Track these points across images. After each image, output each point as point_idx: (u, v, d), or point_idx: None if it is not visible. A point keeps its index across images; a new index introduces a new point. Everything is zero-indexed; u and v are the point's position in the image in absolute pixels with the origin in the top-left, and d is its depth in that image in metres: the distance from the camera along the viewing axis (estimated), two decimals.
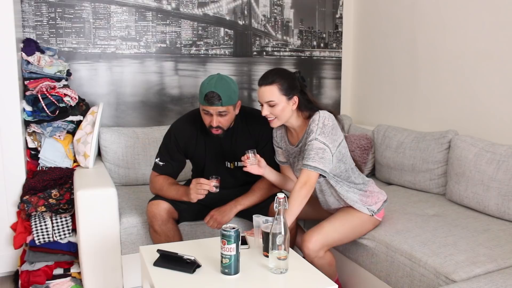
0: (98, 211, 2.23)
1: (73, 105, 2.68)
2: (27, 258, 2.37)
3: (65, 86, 2.72)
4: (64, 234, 2.40)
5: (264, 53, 3.54)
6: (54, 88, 2.62)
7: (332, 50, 3.74)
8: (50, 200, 2.46)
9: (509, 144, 2.35)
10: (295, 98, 2.01)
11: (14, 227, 2.54)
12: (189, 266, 1.64)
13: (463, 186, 2.41)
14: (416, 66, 3.11)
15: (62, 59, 2.82)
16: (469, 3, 2.70)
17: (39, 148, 2.66)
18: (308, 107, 2.05)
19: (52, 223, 2.40)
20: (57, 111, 2.60)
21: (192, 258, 1.64)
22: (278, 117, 2.01)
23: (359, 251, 2.19)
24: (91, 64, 3.03)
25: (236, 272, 1.63)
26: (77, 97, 2.71)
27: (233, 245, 1.59)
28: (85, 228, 2.22)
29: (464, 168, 2.40)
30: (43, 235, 2.36)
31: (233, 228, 1.60)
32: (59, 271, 2.43)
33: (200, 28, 3.31)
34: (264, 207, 2.22)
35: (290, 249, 1.72)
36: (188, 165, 2.39)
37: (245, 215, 2.26)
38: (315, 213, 2.30)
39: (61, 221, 2.43)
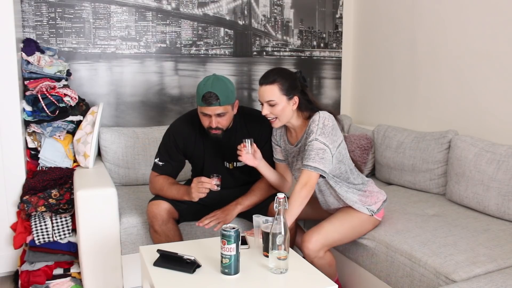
0: (98, 211, 2.23)
1: (73, 105, 2.68)
2: (27, 258, 2.37)
3: (65, 86, 2.72)
4: (64, 234, 2.40)
5: (264, 53, 3.54)
6: (54, 88, 2.62)
7: (332, 50, 3.74)
8: (50, 200, 2.46)
9: (509, 144, 2.35)
10: (296, 98, 2.01)
11: (14, 227, 2.54)
12: (189, 266, 1.64)
13: (463, 186, 2.41)
14: (416, 66, 3.11)
15: (62, 59, 2.82)
16: (469, 3, 2.70)
17: (39, 148, 2.66)
18: (308, 107, 2.05)
19: (52, 223, 2.40)
20: (57, 111, 2.60)
21: (192, 258, 1.64)
22: (279, 117, 2.01)
23: (359, 251, 2.19)
24: (91, 64, 3.03)
25: (236, 272, 1.63)
26: (77, 97, 2.71)
27: (233, 245, 1.59)
28: (85, 228, 2.22)
29: (464, 168, 2.40)
30: (43, 235, 2.36)
31: (233, 228, 1.60)
32: (59, 271, 2.43)
33: (200, 28, 3.31)
34: (264, 207, 2.22)
35: (290, 249, 1.72)
36: (188, 165, 2.40)
37: (245, 215, 2.26)
38: (315, 213, 2.30)
39: (61, 221, 2.43)
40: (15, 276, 2.53)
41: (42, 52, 2.73)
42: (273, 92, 1.97)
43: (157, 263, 1.70)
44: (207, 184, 2.00)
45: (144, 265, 1.74)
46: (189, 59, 3.31)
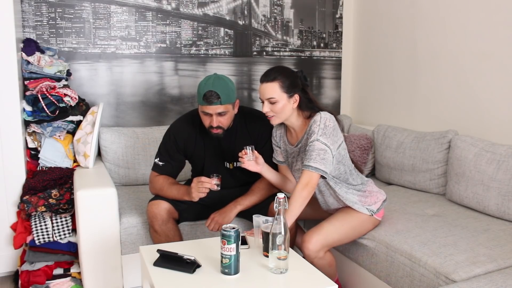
0: (98, 211, 2.23)
1: (73, 105, 2.68)
2: (27, 258, 2.37)
3: (65, 86, 2.72)
4: (64, 234, 2.40)
5: (264, 53, 3.54)
6: (54, 88, 2.62)
7: (332, 50, 3.74)
8: (50, 200, 2.46)
9: (509, 144, 2.35)
10: (296, 97, 2.01)
11: (14, 227, 2.54)
12: (189, 266, 1.64)
13: (463, 186, 2.41)
14: (416, 66, 3.11)
15: (62, 59, 2.82)
16: (469, 3, 2.70)
17: (39, 148, 2.66)
18: (308, 107, 2.05)
19: (52, 223, 2.40)
20: (57, 111, 2.60)
21: (192, 258, 1.64)
22: (278, 114, 2.01)
23: (359, 251, 2.19)
24: (91, 64, 3.03)
25: (236, 272, 1.63)
26: (77, 97, 2.71)
27: (233, 245, 1.59)
28: (85, 228, 2.22)
29: (464, 168, 2.40)
30: (43, 235, 2.36)
31: (233, 228, 1.60)
32: (59, 271, 2.43)
33: (200, 28, 3.31)
34: (264, 207, 2.22)
35: (290, 249, 1.72)
36: (188, 165, 2.40)
37: (245, 215, 2.26)
38: (315, 213, 2.30)
39: (61, 221, 2.43)
40: (15, 276, 2.53)
41: (42, 52, 2.73)
42: (274, 89, 1.97)
43: (157, 263, 1.70)
44: (207, 184, 2.00)
45: (144, 265, 1.74)
46: (189, 59, 3.31)
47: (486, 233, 2.08)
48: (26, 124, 2.65)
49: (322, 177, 1.96)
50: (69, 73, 2.75)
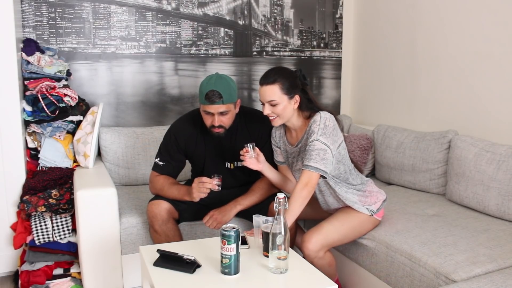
0: (98, 211, 2.23)
1: (73, 105, 2.68)
2: (27, 258, 2.37)
3: (65, 86, 2.72)
4: (64, 234, 2.40)
5: (264, 53, 3.54)
6: (54, 88, 2.62)
7: (332, 50, 3.74)
8: (50, 200, 2.46)
9: (509, 144, 2.35)
10: (297, 97, 2.01)
11: (14, 227, 2.54)
12: (189, 266, 1.64)
13: (463, 186, 2.41)
14: (416, 66, 3.11)
15: (62, 59, 2.82)
16: (469, 3, 2.70)
17: (39, 148, 2.66)
18: (308, 107, 2.05)
19: (52, 223, 2.40)
20: (57, 111, 2.60)
21: (192, 258, 1.64)
22: (280, 116, 2.01)
23: (359, 251, 2.19)
24: (91, 64, 3.03)
25: (236, 272, 1.63)
26: (77, 97, 2.71)
27: (233, 245, 1.59)
28: (85, 228, 2.22)
29: (464, 168, 2.40)
30: (43, 235, 2.36)
31: (233, 228, 1.60)
32: (59, 271, 2.43)
33: (200, 28, 3.31)
34: (264, 207, 2.22)
35: (290, 249, 1.72)
36: (188, 165, 2.39)
37: (245, 215, 2.26)
38: (315, 213, 2.30)
39: (61, 221, 2.43)
40: (15, 276, 2.53)
41: (42, 52, 2.73)
42: (274, 92, 1.97)
43: (157, 263, 1.69)
44: (208, 184, 2.01)
45: (144, 265, 1.74)
46: (189, 59, 3.31)
47: (486, 233, 2.08)
48: (26, 124, 2.65)
49: (322, 176, 1.96)
50: (69, 73, 2.75)
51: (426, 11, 3.00)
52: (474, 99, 2.71)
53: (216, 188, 2.00)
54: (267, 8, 3.50)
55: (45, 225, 2.39)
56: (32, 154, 2.67)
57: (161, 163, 2.25)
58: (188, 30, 3.28)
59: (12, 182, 2.54)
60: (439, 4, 2.90)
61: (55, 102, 2.58)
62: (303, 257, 1.93)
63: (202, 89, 2.07)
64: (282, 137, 2.18)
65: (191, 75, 3.32)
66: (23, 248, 2.52)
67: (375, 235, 2.12)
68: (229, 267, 1.61)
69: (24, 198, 2.45)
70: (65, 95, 2.63)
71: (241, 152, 2.05)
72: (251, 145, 2.04)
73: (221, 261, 1.62)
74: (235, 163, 2.28)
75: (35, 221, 2.40)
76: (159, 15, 3.17)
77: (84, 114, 2.76)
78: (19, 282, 2.38)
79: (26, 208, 2.42)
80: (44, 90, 2.58)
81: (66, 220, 2.44)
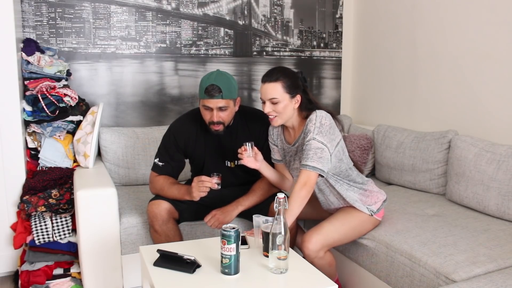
0: (98, 211, 2.23)
1: (73, 105, 2.68)
2: (27, 258, 2.37)
3: (65, 86, 2.72)
4: (64, 234, 2.40)
5: (264, 53, 3.54)
6: (54, 88, 2.62)
7: (332, 50, 3.74)
8: (50, 200, 2.46)
9: (509, 144, 2.35)
10: (298, 97, 2.01)
11: (14, 227, 2.54)
12: (189, 266, 1.64)
13: (463, 186, 2.41)
14: (416, 66, 3.11)
15: (62, 59, 2.82)
16: (469, 3, 2.70)
17: (39, 148, 2.66)
18: (308, 107, 2.05)
19: (52, 223, 2.40)
20: (57, 111, 2.60)
21: (192, 258, 1.64)
22: (280, 115, 2.00)
23: (359, 251, 2.19)
24: (91, 64, 3.03)
25: (236, 272, 1.63)
26: (77, 97, 2.71)
27: (233, 245, 1.59)
28: (85, 228, 2.22)
29: (464, 168, 2.40)
30: (43, 235, 2.36)
31: (233, 228, 1.60)
32: (59, 271, 2.43)
33: (200, 28, 3.31)
34: (264, 207, 2.22)
35: (290, 249, 1.72)
36: (188, 165, 2.39)
37: (245, 215, 2.26)
38: (315, 213, 2.30)
39: (61, 221, 2.43)
40: (15, 276, 2.53)
41: (42, 52, 2.73)
42: (276, 89, 1.97)
43: (157, 263, 1.69)
44: (208, 183, 2.01)
45: (144, 265, 1.74)
46: (189, 59, 3.31)
47: (486, 233, 2.08)
48: (26, 124, 2.65)
49: (321, 176, 1.96)
50: (69, 73, 2.75)
51: (426, 11, 3.00)
52: (474, 99, 2.71)
53: (216, 186, 2.00)
54: (267, 8, 3.50)
55: (45, 225, 2.39)
56: (32, 154, 2.67)
57: (160, 163, 2.25)
58: (188, 30, 3.28)
59: (12, 182, 2.54)
60: (439, 4, 2.90)
61: (55, 102, 2.58)
62: (303, 257, 1.93)
63: (202, 84, 2.08)
64: (280, 135, 2.18)
65: (191, 75, 3.32)
66: (23, 248, 2.52)
67: (375, 235, 2.12)
68: (229, 267, 1.61)
69: (24, 198, 2.45)
70: (65, 95, 2.63)
71: (239, 151, 2.05)
72: (249, 144, 2.04)
73: (221, 261, 1.62)
74: (236, 162, 2.28)
75: (35, 221, 2.40)
76: (159, 15, 3.17)
77: (84, 114, 2.76)
78: (19, 282, 2.38)
79: (26, 208, 2.42)
80: (44, 90, 2.58)
81: (66, 220, 2.44)
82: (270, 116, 2.03)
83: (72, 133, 2.74)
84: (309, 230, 2.08)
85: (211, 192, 2.06)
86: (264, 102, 2.02)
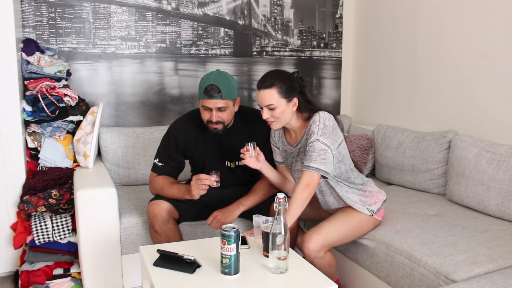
0: (98, 211, 2.23)
1: (73, 105, 2.68)
2: (27, 258, 2.37)
3: (65, 86, 2.72)
4: (64, 234, 2.40)
5: (264, 53, 3.54)
6: (54, 88, 2.62)
7: (332, 50, 3.74)
8: (50, 200, 2.46)
9: (509, 144, 2.35)
10: (295, 100, 2.01)
11: (14, 227, 2.54)
12: (189, 266, 1.64)
13: (463, 186, 2.41)
14: (416, 66, 3.11)
15: (62, 59, 2.82)
16: (469, 3, 2.70)
17: (39, 148, 2.66)
18: (307, 108, 2.05)
19: (52, 223, 2.40)
20: (57, 111, 2.60)
21: (192, 258, 1.64)
22: (279, 119, 2.00)
23: (359, 251, 2.19)
24: (91, 64, 3.03)
25: (236, 272, 1.63)
26: (77, 97, 2.71)
27: (233, 245, 1.59)
28: (85, 228, 2.22)
29: (464, 168, 2.40)
30: (43, 235, 2.36)
31: (233, 228, 1.60)
32: (59, 271, 2.43)
33: (200, 28, 3.31)
34: (265, 207, 2.22)
35: (290, 249, 1.72)
36: (188, 166, 2.39)
37: (246, 215, 2.26)
38: (315, 213, 2.30)
39: (61, 221, 2.43)
40: (15, 276, 2.53)
41: (42, 52, 2.73)
42: (272, 96, 1.96)
43: (157, 263, 1.69)
44: (206, 181, 2.00)
45: (144, 265, 1.74)
46: (189, 59, 3.31)
47: (486, 233, 2.08)
48: (26, 124, 2.65)
49: (323, 177, 1.96)
50: (69, 73, 2.75)
51: (426, 11, 3.00)
52: (474, 99, 2.71)
53: (215, 184, 2.00)
54: (267, 8, 3.50)
55: (45, 225, 2.39)
56: (32, 154, 2.67)
57: (160, 164, 2.25)
58: (188, 30, 3.28)
59: (12, 182, 2.54)
60: (439, 4, 2.90)
61: (55, 102, 2.58)
62: (303, 257, 1.93)
63: (201, 84, 2.07)
64: (281, 137, 2.18)
65: (191, 75, 3.32)
66: (23, 248, 2.52)
67: (375, 235, 2.12)
68: (229, 267, 1.61)
69: (24, 198, 2.45)
70: (65, 95, 2.63)
71: (242, 151, 2.05)
72: (252, 144, 2.04)
73: (221, 261, 1.62)
74: (236, 162, 2.28)
75: (35, 221, 2.40)
76: (159, 15, 3.17)
77: (84, 114, 2.76)
78: (19, 282, 2.38)
79: (26, 208, 2.42)
80: (44, 90, 2.58)
81: (66, 220, 2.44)
82: (269, 122, 2.03)
83: (72, 133, 2.74)
84: (309, 230, 2.08)
85: (211, 192, 2.05)
86: (261, 108, 2.01)
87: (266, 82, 1.98)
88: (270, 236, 1.64)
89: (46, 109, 2.55)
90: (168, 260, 1.69)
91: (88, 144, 2.58)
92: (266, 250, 1.74)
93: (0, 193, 2.52)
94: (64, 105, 2.62)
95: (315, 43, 3.68)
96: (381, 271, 2.07)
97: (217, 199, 2.22)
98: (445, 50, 2.88)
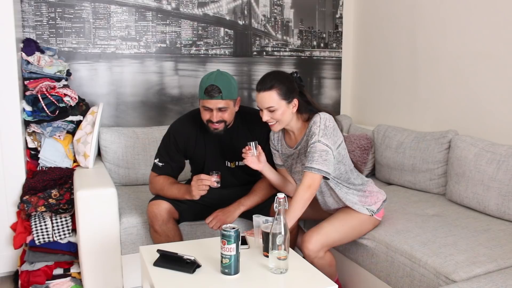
0: (98, 211, 2.23)
1: (73, 105, 2.68)
2: (27, 258, 2.37)
3: (65, 86, 2.72)
4: (64, 234, 2.40)
5: (264, 53, 3.54)
6: (54, 88, 2.62)
7: (332, 50, 3.74)
8: (50, 200, 2.46)
9: (509, 144, 2.35)
10: (295, 101, 2.00)
11: (14, 227, 2.54)
12: (189, 266, 1.64)
13: (463, 186, 2.41)
14: (416, 66, 3.11)
15: (62, 59, 2.82)
16: (469, 3, 2.70)
17: (39, 148, 2.66)
18: (307, 109, 2.04)
19: (52, 223, 2.40)
20: (57, 111, 2.60)
21: (192, 258, 1.64)
22: (279, 121, 2.00)
23: (359, 251, 2.19)
24: (91, 64, 3.03)
25: (236, 272, 1.63)
26: (77, 97, 2.71)
27: (233, 245, 1.59)
28: (85, 228, 2.22)
29: (464, 168, 2.40)
30: (43, 235, 2.36)
31: (233, 228, 1.60)
32: (59, 271, 2.43)
33: (200, 28, 3.31)
34: (265, 207, 2.22)
35: (290, 249, 1.72)
36: (188, 166, 2.39)
37: (245, 215, 2.26)
38: (315, 213, 2.29)
39: (61, 221, 2.43)
40: (15, 276, 2.53)
41: (42, 52, 2.73)
42: (271, 98, 1.96)
43: (157, 263, 1.69)
44: (207, 181, 2.00)
45: (144, 265, 1.74)
46: (189, 59, 3.31)
47: (486, 233, 2.08)
48: (26, 124, 2.65)
49: (325, 178, 1.96)
50: (69, 73, 2.75)
51: (427, 11, 3.00)
52: (474, 99, 2.71)
53: (215, 185, 2.00)
54: (267, 8, 3.50)
55: (45, 225, 2.39)
56: (32, 154, 2.67)
57: (160, 164, 2.25)
58: (188, 30, 3.28)
59: (12, 182, 2.54)
60: (439, 4, 2.90)
61: (55, 102, 2.58)
62: (303, 257, 1.93)
63: (202, 84, 2.07)
64: (281, 139, 2.18)
65: (191, 75, 3.32)
66: (23, 248, 2.52)
67: (375, 235, 2.12)
68: (229, 267, 1.61)
69: (24, 198, 2.45)
70: (65, 95, 2.63)
71: (243, 150, 2.05)
72: (253, 143, 2.03)
73: (221, 261, 1.62)
74: (236, 162, 2.28)
75: (35, 221, 2.40)
76: (159, 15, 3.17)
77: (84, 114, 2.76)
78: (19, 282, 2.38)
79: (26, 208, 2.42)
80: (44, 90, 2.58)
81: (66, 220, 2.44)
82: (269, 123, 2.02)
83: (72, 133, 2.74)
84: (309, 230, 2.07)
85: (211, 192, 2.05)
86: (261, 110, 2.01)
87: (265, 84, 1.97)
88: (270, 236, 1.64)
89: (46, 109, 2.55)
90: (168, 260, 1.69)
91: (88, 144, 2.58)
92: (266, 250, 1.74)
93: (0, 193, 2.52)
94: (64, 105, 2.62)
95: (315, 43, 3.68)
96: (381, 271, 2.07)
97: (217, 199, 2.22)
98: (445, 50, 2.88)
